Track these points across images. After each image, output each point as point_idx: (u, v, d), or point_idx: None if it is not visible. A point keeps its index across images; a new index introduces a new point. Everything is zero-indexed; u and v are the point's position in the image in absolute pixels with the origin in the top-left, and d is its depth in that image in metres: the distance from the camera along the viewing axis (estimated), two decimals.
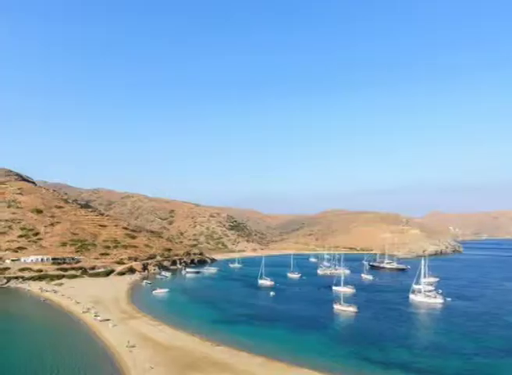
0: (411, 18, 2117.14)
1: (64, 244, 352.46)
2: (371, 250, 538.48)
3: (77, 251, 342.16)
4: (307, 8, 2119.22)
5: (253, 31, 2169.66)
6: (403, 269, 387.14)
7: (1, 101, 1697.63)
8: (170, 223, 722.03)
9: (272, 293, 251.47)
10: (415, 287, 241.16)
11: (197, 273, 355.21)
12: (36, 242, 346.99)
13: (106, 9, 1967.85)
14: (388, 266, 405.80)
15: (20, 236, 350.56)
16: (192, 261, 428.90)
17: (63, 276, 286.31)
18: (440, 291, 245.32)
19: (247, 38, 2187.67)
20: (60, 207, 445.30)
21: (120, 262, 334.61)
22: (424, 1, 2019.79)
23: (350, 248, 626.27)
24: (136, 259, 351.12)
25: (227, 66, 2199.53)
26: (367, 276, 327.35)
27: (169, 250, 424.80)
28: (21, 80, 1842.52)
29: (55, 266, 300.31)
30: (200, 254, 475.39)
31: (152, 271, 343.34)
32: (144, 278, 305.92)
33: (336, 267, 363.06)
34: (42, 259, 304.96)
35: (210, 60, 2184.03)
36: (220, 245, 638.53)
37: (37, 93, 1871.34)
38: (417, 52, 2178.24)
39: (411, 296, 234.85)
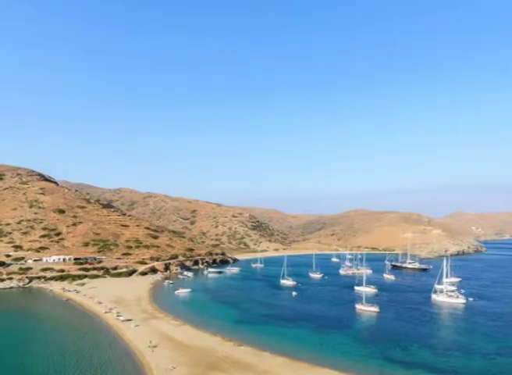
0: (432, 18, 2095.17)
1: (86, 244, 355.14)
2: (394, 250, 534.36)
3: (99, 251, 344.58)
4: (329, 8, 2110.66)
5: (281, 31, 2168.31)
6: (425, 269, 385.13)
7: (23, 101, 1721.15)
8: (192, 223, 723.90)
9: (294, 293, 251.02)
10: (437, 287, 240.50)
11: (219, 272, 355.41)
12: (58, 242, 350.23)
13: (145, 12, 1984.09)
14: (410, 266, 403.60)
15: (42, 236, 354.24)
16: (214, 261, 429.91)
17: (85, 276, 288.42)
18: (462, 290, 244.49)
19: (273, 38, 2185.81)
20: (82, 207, 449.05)
21: (142, 262, 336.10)
22: None
23: (372, 248, 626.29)
24: (158, 259, 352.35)
25: (245, 66, 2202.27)
26: (389, 276, 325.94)
27: (191, 250, 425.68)
28: (43, 81, 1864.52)
29: (77, 266, 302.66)
30: (223, 254, 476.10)
31: (174, 271, 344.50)
32: (166, 278, 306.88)
33: (358, 267, 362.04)
34: (64, 259, 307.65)
35: (226, 63, 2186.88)
36: (242, 245, 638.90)
37: (58, 93, 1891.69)
38: (446, 51, 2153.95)
39: (433, 296, 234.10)
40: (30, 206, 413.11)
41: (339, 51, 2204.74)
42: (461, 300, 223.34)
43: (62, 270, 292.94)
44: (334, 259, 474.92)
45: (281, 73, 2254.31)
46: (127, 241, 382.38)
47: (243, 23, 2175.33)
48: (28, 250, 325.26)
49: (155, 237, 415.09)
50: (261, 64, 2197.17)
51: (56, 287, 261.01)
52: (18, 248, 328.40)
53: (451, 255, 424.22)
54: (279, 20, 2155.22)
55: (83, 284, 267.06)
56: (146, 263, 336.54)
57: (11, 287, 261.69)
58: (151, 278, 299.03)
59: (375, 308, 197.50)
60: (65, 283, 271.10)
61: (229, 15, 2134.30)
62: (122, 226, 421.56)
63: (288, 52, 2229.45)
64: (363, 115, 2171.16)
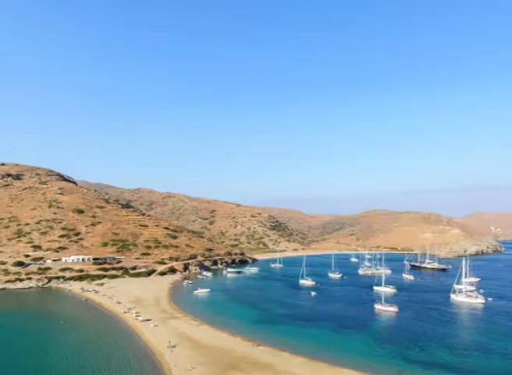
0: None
1: (105, 244, 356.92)
2: (412, 250, 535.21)
3: (118, 251, 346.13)
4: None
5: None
6: (444, 269, 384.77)
7: (43, 101, 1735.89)
8: (211, 223, 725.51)
9: (313, 293, 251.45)
10: (456, 287, 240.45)
11: (238, 272, 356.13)
12: (77, 242, 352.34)
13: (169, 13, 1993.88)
14: (429, 265, 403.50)
15: (61, 236, 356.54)
16: (233, 261, 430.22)
17: (104, 276, 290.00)
18: (481, 290, 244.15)
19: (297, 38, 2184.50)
20: (101, 207, 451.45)
21: (161, 262, 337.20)
22: None
23: (391, 248, 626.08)
24: (177, 259, 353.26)
25: (266, 67, 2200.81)
26: (408, 276, 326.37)
27: (210, 250, 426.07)
28: (64, 81, 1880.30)
29: (96, 266, 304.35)
30: (242, 254, 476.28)
31: (193, 271, 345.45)
32: (185, 278, 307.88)
33: (377, 267, 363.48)
34: (83, 259, 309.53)
35: (246, 63, 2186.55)
36: (261, 245, 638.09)
37: (80, 93, 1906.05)
38: (473, 50, 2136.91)
39: (452, 296, 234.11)
40: (49, 206, 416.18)
41: (359, 50, 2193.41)
42: (480, 300, 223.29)
43: (81, 270, 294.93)
44: (353, 259, 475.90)
45: (303, 73, 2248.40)
46: (146, 241, 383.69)
47: (269, 27, 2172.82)
48: (47, 250, 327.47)
49: (174, 237, 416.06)
50: (281, 65, 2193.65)
51: (75, 287, 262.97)
52: (37, 248, 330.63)
53: (470, 255, 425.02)
54: (300, 20, 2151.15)
55: (102, 284, 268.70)
56: (165, 263, 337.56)
57: (30, 287, 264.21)
58: (170, 278, 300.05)
59: (394, 308, 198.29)
60: (84, 283, 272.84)
61: (250, 17, 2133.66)
62: (141, 226, 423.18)
63: (308, 54, 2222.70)
64: (384, 114, 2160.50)
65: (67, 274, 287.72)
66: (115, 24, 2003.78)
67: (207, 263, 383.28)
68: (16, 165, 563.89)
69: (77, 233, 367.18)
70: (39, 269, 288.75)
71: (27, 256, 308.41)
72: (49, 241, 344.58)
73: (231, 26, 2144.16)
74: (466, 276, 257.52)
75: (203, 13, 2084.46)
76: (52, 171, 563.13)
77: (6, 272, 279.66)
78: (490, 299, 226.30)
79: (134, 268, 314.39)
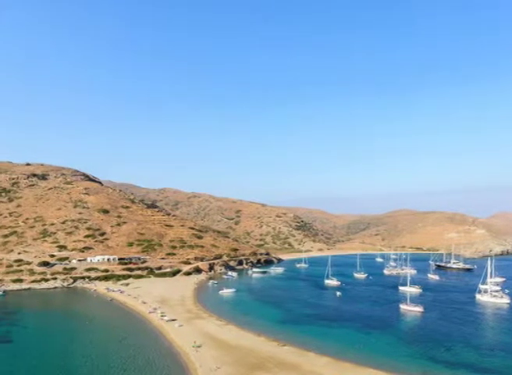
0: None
1: (130, 244, 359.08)
2: (438, 250, 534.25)
3: (144, 251, 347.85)
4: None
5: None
6: (469, 269, 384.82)
7: (68, 101, 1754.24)
8: (237, 223, 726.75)
9: (338, 293, 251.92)
10: (482, 287, 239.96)
11: (264, 272, 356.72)
12: (102, 242, 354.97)
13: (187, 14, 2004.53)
14: (454, 265, 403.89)
15: (87, 236, 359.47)
16: (258, 261, 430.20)
17: (129, 276, 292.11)
18: (507, 290, 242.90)
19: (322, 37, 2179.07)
20: (126, 207, 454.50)
21: (186, 262, 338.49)
22: None
23: (417, 248, 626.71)
24: (202, 259, 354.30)
25: (284, 65, 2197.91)
26: (433, 276, 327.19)
27: (236, 250, 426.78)
28: (88, 83, 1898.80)
29: (122, 266, 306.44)
30: (267, 254, 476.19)
31: (218, 271, 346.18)
32: (210, 278, 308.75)
33: (403, 267, 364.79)
34: (108, 259, 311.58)
35: (269, 63, 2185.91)
36: (286, 245, 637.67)
37: (103, 93, 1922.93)
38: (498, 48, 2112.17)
39: (478, 296, 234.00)
40: (75, 206, 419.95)
41: (381, 50, 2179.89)
42: (506, 300, 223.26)
43: (107, 270, 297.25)
44: (378, 259, 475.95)
45: (325, 72, 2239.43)
46: (171, 240, 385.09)
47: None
48: (72, 250, 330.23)
49: (200, 237, 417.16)
50: (303, 64, 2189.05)
51: (100, 287, 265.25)
52: (62, 248, 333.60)
53: (495, 255, 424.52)
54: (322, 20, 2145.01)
55: (127, 284, 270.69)
56: (190, 263, 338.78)
57: (55, 287, 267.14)
58: (196, 278, 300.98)
59: (419, 308, 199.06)
60: (109, 283, 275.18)
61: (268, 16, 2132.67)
62: (167, 226, 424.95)
63: (333, 52, 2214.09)
64: (408, 114, 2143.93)
65: (92, 274, 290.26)
66: (128, 23, 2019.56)
67: (232, 263, 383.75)
68: (42, 165, 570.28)
69: (102, 234, 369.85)
70: (64, 269, 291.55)
71: (53, 256, 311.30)
72: (74, 241, 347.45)
73: (251, 27, 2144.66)
74: (491, 276, 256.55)
75: (211, 12, 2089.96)
76: (77, 171, 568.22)
77: (32, 272, 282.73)
78: None
79: (159, 268, 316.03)
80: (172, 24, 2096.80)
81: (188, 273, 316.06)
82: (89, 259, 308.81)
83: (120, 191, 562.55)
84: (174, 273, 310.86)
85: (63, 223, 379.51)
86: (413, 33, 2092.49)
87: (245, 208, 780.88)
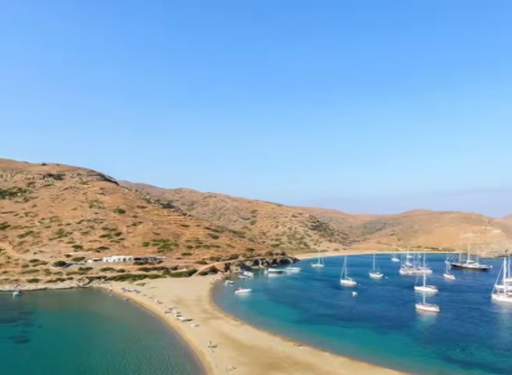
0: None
1: (146, 244, 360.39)
2: (453, 250, 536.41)
3: (159, 251, 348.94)
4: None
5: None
6: (485, 269, 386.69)
7: (83, 102, 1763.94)
8: (252, 223, 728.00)
9: (354, 293, 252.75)
10: (497, 287, 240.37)
11: (280, 272, 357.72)
12: (118, 242, 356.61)
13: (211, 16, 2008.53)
14: (470, 265, 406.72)
15: (102, 236, 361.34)
16: (274, 261, 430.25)
17: (145, 276, 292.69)
18: None
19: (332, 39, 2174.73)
20: (142, 207, 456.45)
21: (202, 262, 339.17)
22: None
23: (432, 248, 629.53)
24: (218, 259, 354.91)
25: (308, 66, 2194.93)
26: (449, 276, 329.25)
27: (251, 250, 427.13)
28: (104, 81, 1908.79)
29: (137, 266, 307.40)
30: (283, 254, 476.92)
31: (234, 271, 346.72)
32: (226, 278, 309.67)
33: (418, 267, 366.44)
34: (124, 259, 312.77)
35: (289, 64, 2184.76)
36: (302, 245, 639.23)
37: (120, 94, 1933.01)
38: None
39: (494, 296, 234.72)
40: (91, 206, 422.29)
41: (403, 50, 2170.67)
42: None
43: (122, 270, 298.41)
44: (394, 259, 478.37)
45: (343, 73, 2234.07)
46: (187, 240, 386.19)
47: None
48: (88, 250, 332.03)
49: (215, 237, 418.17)
50: (324, 65, 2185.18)
51: (116, 287, 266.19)
52: (78, 248, 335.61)
53: (511, 255, 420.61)
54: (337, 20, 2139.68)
55: (143, 284, 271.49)
56: (206, 263, 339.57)
57: (71, 287, 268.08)
58: (211, 278, 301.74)
59: (435, 309, 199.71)
60: (125, 283, 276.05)
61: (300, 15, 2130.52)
62: (183, 226, 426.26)
63: (350, 52, 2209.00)
64: (424, 114, 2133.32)
65: (108, 274, 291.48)
66: (146, 24, 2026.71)
67: (248, 263, 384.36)
68: (57, 165, 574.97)
69: (118, 234, 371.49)
70: (80, 269, 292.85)
71: (68, 256, 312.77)
72: (90, 241, 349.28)
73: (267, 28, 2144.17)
74: (507, 276, 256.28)
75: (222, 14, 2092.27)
76: (93, 171, 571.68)
77: (47, 272, 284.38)
78: None
79: (175, 268, 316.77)
80: (192, 25, 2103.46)
81: (204, 273, 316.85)
82: (105, 259, 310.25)
83: (136, 191, 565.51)
84: (190, 273, 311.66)
85: (79, 223, 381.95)
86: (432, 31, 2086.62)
87: (261, 208, 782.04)
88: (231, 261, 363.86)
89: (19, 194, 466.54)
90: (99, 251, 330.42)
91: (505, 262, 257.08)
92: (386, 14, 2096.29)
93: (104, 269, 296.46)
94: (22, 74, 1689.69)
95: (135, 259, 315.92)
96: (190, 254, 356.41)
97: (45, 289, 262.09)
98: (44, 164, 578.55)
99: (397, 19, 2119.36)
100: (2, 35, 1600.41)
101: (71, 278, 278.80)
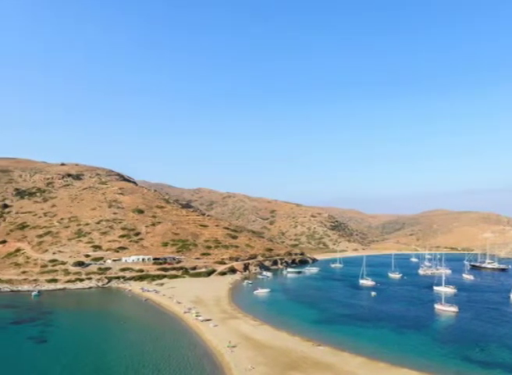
0: None
1: (165, 244, 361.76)
2: (472, 250, 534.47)
3: (178, 251, 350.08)
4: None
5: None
6: (504, 269, 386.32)
7: (102, 102, 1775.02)
8: (271, 223, 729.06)
9: (373, 293, 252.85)
10: None
11: (298, 272, 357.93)
12: (137, 242, 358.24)
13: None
14: (489, 265, 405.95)
15: (121, 236, 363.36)
16: (293, 261, 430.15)
17: (164, 276, 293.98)
18: None
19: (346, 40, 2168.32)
20: (161, 207, 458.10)
21: (221, 262, 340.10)
22: None
23: (451, 248, 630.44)
24: (237, 259, 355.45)
25: (326, 65, 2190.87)
26: (468, 276, 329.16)
27: (270, 250, 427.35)
28: (125, 84, 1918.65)
29: (156, 266, 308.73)
30: (302, 254, 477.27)
31: (253, 271, 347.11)
32: (245, 278, 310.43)
33: (437, 267, 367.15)
34: (143, 259, 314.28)
35: (305, 61, 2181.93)
36: (321, 245, 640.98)
37: (139, 94, 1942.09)
38: None
39: None
40: (109, 206, 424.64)
41: (422, 50, 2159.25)
42: None
43: (141, 270, 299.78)
44: (413, 259, 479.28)
45: (363, 73, 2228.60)
46: (206, 240, 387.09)
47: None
48: (107, 250, 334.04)
49: (234, 237, 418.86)
50: (344, 64, 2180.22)
51: (135, 287, 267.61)
52: (97, 248, 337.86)
53: None
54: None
55: (162, 284, 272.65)
56: (225, 263, 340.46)
57: (90, 287, 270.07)
58: (230, 278, 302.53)
59: (454, 309, 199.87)
60: (144, 283, 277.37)
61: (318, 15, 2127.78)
62: (201, 226, 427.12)
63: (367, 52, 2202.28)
64: (443, 115, 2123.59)
65: (127, 274, 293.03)
66: (181, 27, 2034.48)
67: (267, 263, 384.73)
68: (76, 165, 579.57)
69: (137, 234, 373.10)
70: (99, 269, 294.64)
71: (87, 256, 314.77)
72: (109, 241, 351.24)
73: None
74: None
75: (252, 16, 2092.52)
76: (112, 171, 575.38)
77: (66, 272, 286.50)
78: None
79: (194, 268, 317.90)
80: (224, 27, 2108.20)
81: (223, 273, 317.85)
82: (124, 259, 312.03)
83: (155, 191, 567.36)
84: (209, 273, 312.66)
85: (98, 223, 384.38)
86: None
87: (280, 208, 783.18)
88: (250, 261, 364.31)
89: (38, 194, 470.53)
90: (118, 251, 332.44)
91: None
92: (399, 15, 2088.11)
93: (123, 269, 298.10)
94: (40, 75, 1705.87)
95: (154, 259, 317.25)
96: (208, 254, 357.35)
97: (64, 289, 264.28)
98: (63, 164, 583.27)
99: (414, 19, 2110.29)
100: (24, 38, 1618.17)
101: (90, 278, 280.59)
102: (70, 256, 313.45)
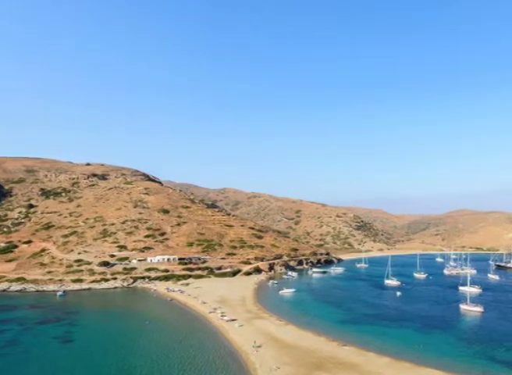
0: None
1: (190, 244, 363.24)
2: (498, 250, 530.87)
3: (204, 251, 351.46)
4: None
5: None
6: None
7: (128, 101, 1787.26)
8: (296, 223, 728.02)
9: (398, 293, 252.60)
10: None
11: (324, 272, 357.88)
12: (162, 242, 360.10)
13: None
14: None
15: (147, 236, 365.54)
16: (318, 261, 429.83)
17: (189, 277, 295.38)
18: None
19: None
20: (187, 207, 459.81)
21: (247, 262, 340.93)
22: None
23: (477, 248, 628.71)
24: (262, 259, 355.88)
25: (349, 66, 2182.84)
26: (493, 276, 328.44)
27: (296, 250, 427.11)
28: (150, 80, 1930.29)
29: (182, 266, 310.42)
30: (327, 254, 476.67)
31: (279, 271, 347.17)
32: (270, 278, 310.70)
33: (463, 267, 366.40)
34: (168, 259, 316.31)
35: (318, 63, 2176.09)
36: (346, 245, 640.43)
37: (165, 92, 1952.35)
38: None
39: None
40: (135, 206, 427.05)
41: (444, 49, 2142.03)
42: None
43: (167, 270, 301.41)
44: (438, 259, 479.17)
45: (387, 73, 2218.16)
46: (231, 240, 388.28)
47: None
48: (132, 250, 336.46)
49: (260, 237, 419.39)
50: (368, 65, 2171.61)
51: (160, 287, 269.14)
52: (122, 248, 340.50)
53: None
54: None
55: (187, 284, 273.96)
56: (250, 263, 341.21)
57: (115, 287, 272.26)
58: (256, 278, 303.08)
59: (479, 308, 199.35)
60: (169, 283, 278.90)
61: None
62: (227, 226, 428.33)
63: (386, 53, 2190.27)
64: (468, 114, 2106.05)
65: (152, 274, 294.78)
66: (206, 26, 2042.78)
67: (292, 263, 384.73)
68: (102, 165, 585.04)
69: (162, 234, 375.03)
70: (124, 269, 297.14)
71: (113, 256, 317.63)
72: (134, 241, 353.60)
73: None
74: None
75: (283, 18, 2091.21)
76: (138, 171, 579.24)
77: (92, 272, 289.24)
78: None
79: (219, 268, 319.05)
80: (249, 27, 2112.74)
81: (248, 273, 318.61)
82: (149, 259, 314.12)
83: (180, 191, 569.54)
84: (234, 273, 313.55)
85: (123, 223, 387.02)
86: None
87: (305, 208, 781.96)
88: (275, 261, 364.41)
89: (63, 194, 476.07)
90: (143, 251, 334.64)
91: None
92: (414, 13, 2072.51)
93: (149, 269, 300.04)
94: (72, 76, 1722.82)
95: (179, 259, 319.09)
96: (234, 254, 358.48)
97: (89, 289, 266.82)
98: (88, 164, 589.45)
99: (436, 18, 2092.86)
100: (57, 40, 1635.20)
101: (115, 278, 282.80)
102: (95, 256, 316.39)
